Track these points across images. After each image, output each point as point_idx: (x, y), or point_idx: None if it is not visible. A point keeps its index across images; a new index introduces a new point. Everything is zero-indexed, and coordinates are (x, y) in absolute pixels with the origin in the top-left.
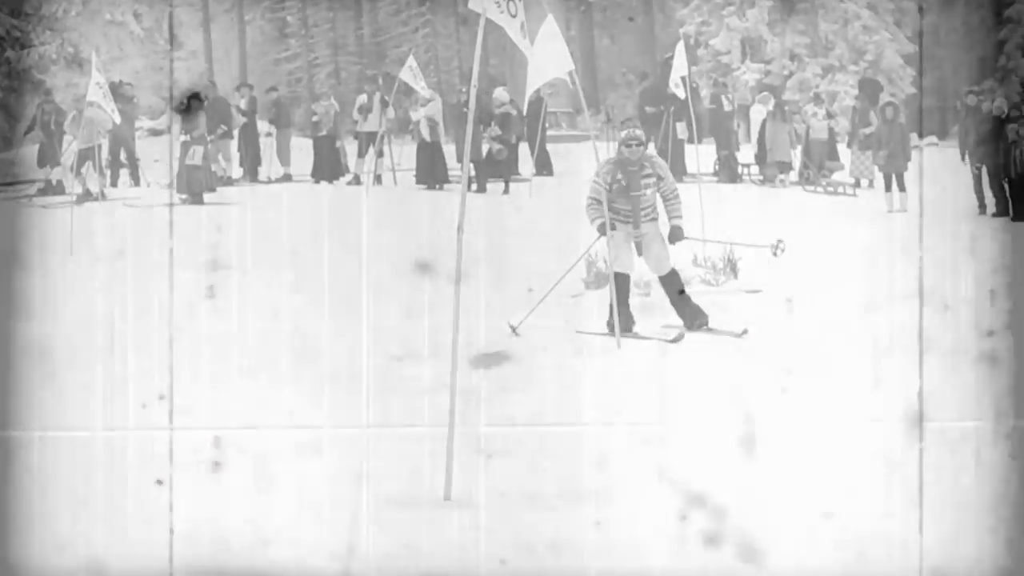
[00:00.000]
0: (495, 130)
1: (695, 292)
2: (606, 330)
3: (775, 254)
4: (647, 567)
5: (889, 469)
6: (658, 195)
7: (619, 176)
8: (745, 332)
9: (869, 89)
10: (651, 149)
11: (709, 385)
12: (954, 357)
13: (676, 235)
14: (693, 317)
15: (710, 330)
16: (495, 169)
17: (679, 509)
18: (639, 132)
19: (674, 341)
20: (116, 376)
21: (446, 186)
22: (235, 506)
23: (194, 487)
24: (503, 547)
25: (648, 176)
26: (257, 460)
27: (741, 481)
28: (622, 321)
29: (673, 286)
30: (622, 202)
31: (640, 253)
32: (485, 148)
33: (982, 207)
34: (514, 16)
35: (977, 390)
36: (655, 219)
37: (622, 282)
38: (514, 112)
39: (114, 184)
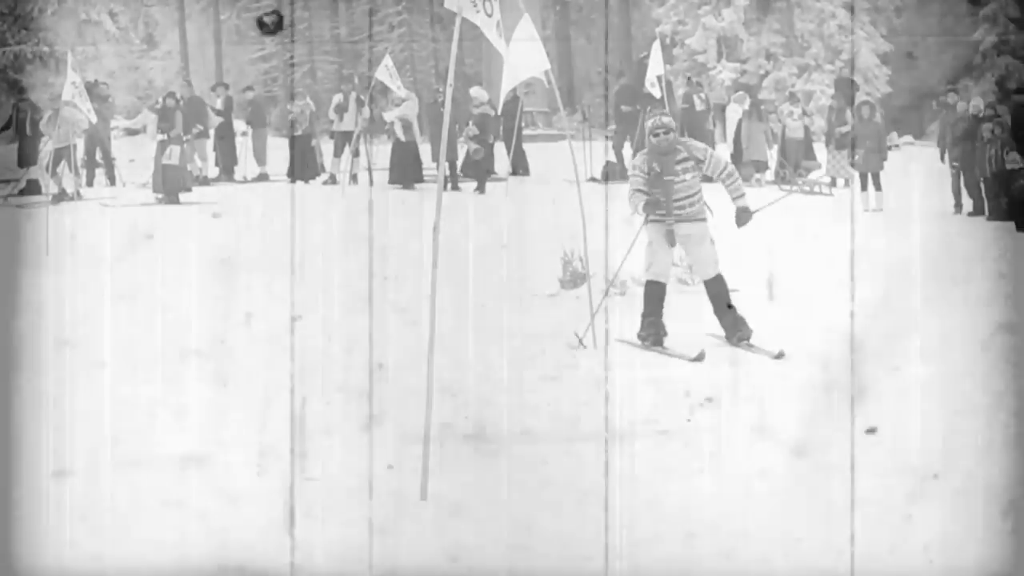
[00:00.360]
0: (472, 130)
1: (672, 291)
2: (637, 341)
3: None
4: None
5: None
6: (709, 185)
7: (654, 164)
8: (782, 354)
9: (845, 88)
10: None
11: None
12: (930, 358)
13: (743, 217)
14: (734, 329)
15: (750, 346)
16: (474, 169)
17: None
18: (666, 119)
19: (695, 360)
20: (91, 375)
21: (418, 186)
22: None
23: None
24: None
25: (684, 161)
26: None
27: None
28: (652, 333)
29: (718, 293)
30: (659, 192)
31: (672, 243)
32: (463, 148)
33: (958, 206)
34: (490, 16)
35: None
36: (703, 219)
37: (654, 291)
38: (492, 112)
39: (90, 184)
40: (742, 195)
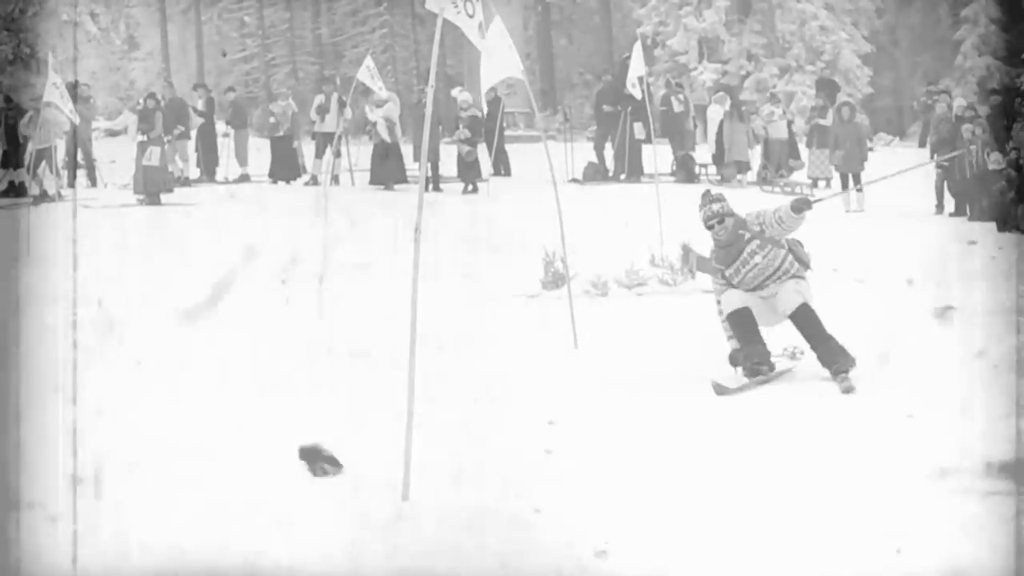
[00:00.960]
0: (464, 132)
1: (653, 292)
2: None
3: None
4: None
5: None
6: (775, 245)
7: (720, 259)
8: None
9: (826, 89)
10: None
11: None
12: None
13: (800, 204)
14: (831, 361)
15: (845, 379)
16: (468, 170)
17: None
18: (716, 206)
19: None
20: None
21: (399, 186)
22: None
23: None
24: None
25: (748, 243)
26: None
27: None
28: (751, 365)
29: (806, 324)
30: (737, 280)
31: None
32: (454, 150)
33: (940, 206)
34: (472, 16)
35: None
36: (791, 276)
37: (738, 319)
38: (479, 114)
39: (71, 185)
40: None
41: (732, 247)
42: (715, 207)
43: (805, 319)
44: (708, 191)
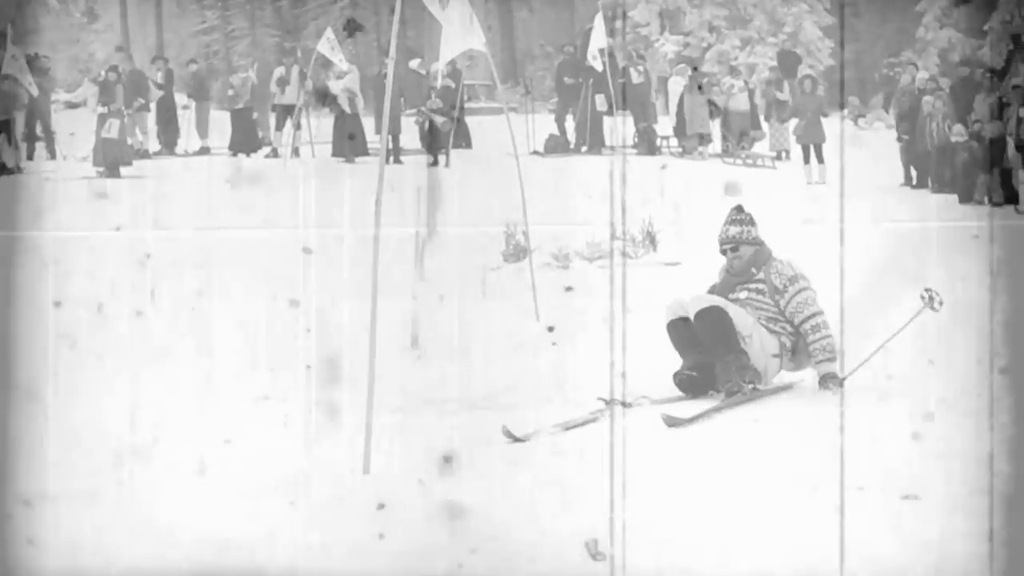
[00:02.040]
0: (436, 103)
1: (614, 264)
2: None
3: None
4: None
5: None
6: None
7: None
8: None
9: (788, 61)
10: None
11: None
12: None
13: (830, 384)
14: (726, 377)
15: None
16: (443, 141)
17: None
18: (734, 229)
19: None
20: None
21: (360, 159)
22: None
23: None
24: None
25: (755, 288)
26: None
27: None
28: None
29: (705, 331)
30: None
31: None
32: (426, 121)
33: (908, 178)
34: None
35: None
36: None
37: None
38: (453, 84)
39: (30, 157)
40: (829, 359)
41: (739, 278)
42: (732, 231)
43: (704, 327)
44: (740, 206)
